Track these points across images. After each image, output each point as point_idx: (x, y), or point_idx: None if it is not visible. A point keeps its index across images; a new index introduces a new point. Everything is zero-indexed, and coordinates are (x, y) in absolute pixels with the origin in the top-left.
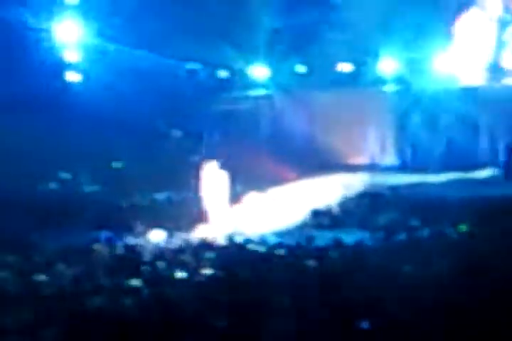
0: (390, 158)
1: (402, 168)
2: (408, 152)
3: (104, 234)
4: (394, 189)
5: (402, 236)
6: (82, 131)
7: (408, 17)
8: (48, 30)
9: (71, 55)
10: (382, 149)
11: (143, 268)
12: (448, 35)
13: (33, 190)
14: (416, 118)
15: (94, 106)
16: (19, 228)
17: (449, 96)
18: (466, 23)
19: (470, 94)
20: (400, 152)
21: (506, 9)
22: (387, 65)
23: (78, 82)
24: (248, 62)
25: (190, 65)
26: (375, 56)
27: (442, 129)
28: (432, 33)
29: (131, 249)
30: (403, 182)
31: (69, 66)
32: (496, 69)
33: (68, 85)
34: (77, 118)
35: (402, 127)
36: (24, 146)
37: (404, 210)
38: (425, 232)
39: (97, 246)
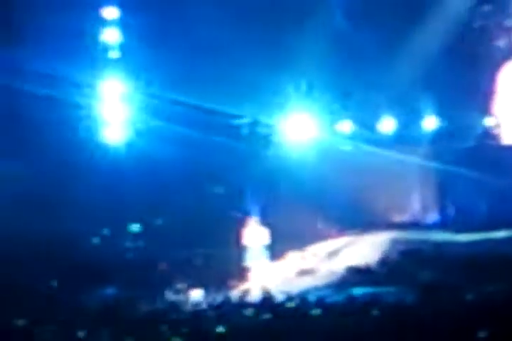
0: (433, 216)
1: (445, 225)
2: (451, 210)
3: (142, 291)
4: (436, 246)
5: (444, 294)
6: (124, 189)
7: (448, 74)
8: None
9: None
10: (425, 207)
11: (181, 325)
12: (488, 93)
13: (75, 247)
14: (458, 176)
15: (138, 163)
16: (61, 285)
17: (490, 153)
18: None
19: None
20: (443, 210)
21: None
22: (430, 123)
23: (121, 140)
24: (291, 119)
25: (235, 121)
26: (418, 114)
27: (485, 186)
28: (471, 91)
29: (169, 306)
30: (446, 240)
31: (111, 123)
32: None
33: (112, 144)
34: (120, 177)
35: (444, 185)
36: (69, 203)
37: (446, 268)
38: (467, 291)
39: (134, 303)
